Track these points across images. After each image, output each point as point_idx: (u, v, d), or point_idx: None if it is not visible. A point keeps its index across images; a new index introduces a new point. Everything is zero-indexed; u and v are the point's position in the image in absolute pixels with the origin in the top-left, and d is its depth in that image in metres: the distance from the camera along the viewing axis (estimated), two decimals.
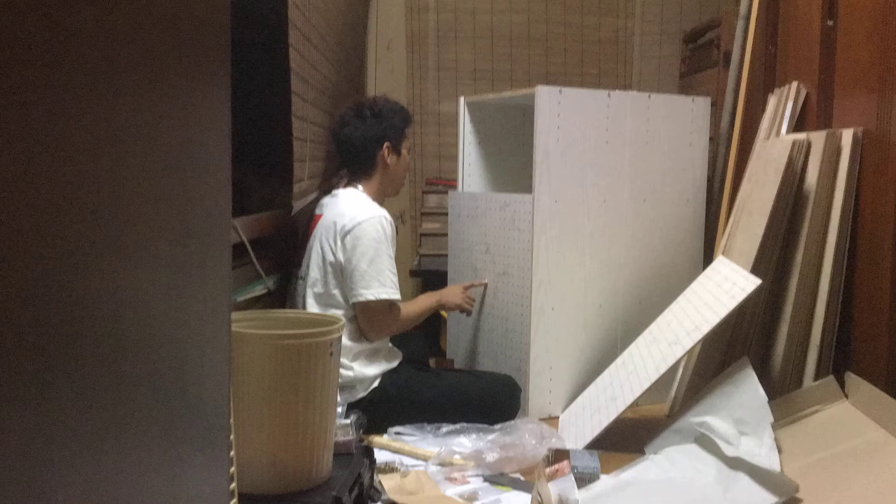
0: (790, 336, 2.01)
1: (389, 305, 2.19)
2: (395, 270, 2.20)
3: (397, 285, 2.18)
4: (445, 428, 2.10)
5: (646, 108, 2.47)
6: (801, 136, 2.09)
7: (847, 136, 1.98)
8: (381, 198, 2.36)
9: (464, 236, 2.66)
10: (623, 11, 3.75)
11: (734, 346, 2.09)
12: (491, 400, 2.24)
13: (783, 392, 1.97)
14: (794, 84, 2.29)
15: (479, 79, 3.72)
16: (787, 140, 2.08)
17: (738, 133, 2.57)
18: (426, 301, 2.40)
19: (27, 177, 0.47)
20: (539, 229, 2.33)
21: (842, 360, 1.97)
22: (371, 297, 2.12)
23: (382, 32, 3.64)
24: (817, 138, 2.03)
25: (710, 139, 2.65)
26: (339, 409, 1.75)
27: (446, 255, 2.80)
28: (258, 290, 2.05)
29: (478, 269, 2.57)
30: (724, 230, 2.40)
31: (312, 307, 2.18)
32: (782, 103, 2.32)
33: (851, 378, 1.85)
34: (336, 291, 2.17)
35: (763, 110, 2.46)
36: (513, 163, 2.79)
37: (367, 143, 2.32)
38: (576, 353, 2.42)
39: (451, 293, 2.45)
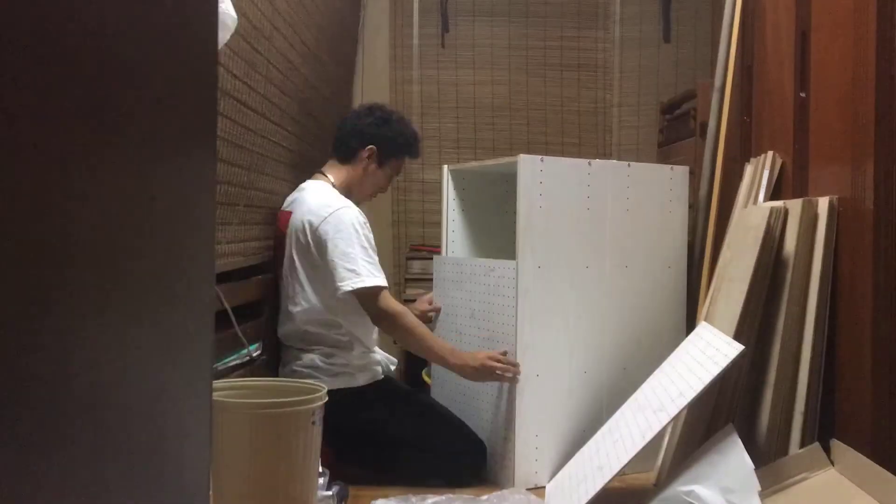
0: (774, 402, 2.01)
1: (377, 292, 2.14)
2: (370, 257, 2.15)
3: (374, 271, 2.14)
4: (431, 499, 2.05)
5: (626, 177, 2.51)
6: (779, 203, 2.13)
7: (823, 203, 2.02)
8: (346, 194, 2.31)
9: (448, 301, 2.66)
10: (602, 83, 3.85)
11: (719, 412, 2.08)
12: (454, 462, 2.19)
13: (769, 458, 1.95)
14: (770, 153, 2.35)
15: (462, 147, 3.79)
16: (765, 208, 2.11)
17: (717, 201, 2.62)
18: (451, 351, 2.25)
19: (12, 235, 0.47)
20: (523, 295, 2.33)
21: (827, 425, 1.96)
22: (347, 289, 2.11)
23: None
24: (794, 206, 2.07)
25: (690, 206, 2.69)
26: (321, 480, 1.72)
27: (431, 321, 2.79)
28: (239, 359, 2.02)
29: (462, 334, 2.56)
30: (706, 296, 2.42)
31: (294, 309, 2.19)
32: (759, 172, 2.38)
33: (837, 445, 1.84)
34: (310, 291, 2.17)
35: (740, 179, 2.51)
36: (496, 229, 2.81)
37: (356, 134, 2.30)
38: (562, 420, 2.39)
39: (478, 365, 2.22)
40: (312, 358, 2.22)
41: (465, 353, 2.29)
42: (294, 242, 2.22)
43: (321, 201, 2.21)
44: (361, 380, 2.24)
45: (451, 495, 2.06)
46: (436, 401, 2.51)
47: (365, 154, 2.29)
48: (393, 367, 2.45)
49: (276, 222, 2.33)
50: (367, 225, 2.25)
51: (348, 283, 2.11)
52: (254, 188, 2.12)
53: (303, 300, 2.22)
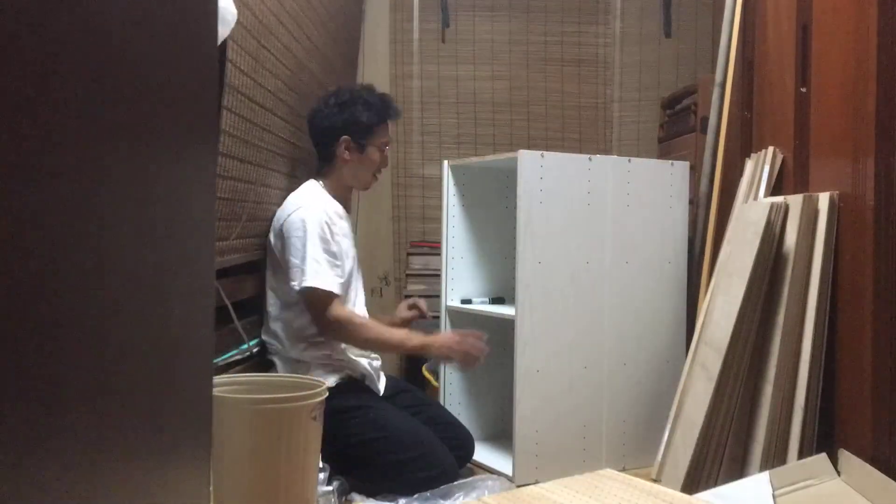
0: (774, 397, 2.01)
1: (323, 297, 2.03)
2: (322, 259, 2.04)
3: (323, 273, 2.03)
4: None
5: (626, 172, 2.51)
6: (779, 199, 2.13)
7: (823, 199, 2.02)
8: (344, 192, 2.25)
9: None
10: (602, 78, 3.84)
11: (719, 408, 2.08)
12: (427, 469, 2.02)
13: (770, 452, 1.96)
14: (771, 149, 2.34)
15: (463, 143, 3.78)
16: (766, 203, 2.11)
17: (717, 196, 2.62)
18: (406, 335, 2.16)
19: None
20: (523, 290, 2.33)
21: (827, 420, 1.96)
22: (297, 287, 2.03)
23: None
24: (794, 202, 2.07)
25: (690, 202, 2.69)
26: (322, 476, 1.72)
27: (432, 317, 2.79)
28: (240, 354, 2.03)
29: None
30: (706, 291, 2.42)
31: (270, 301, 2.16)
32: (759, 167, 2.37)
33: (844, 455, 1.84)
34: (284, 284, 2.12)
35: (741, 174, 2.51)
36: (496, 224, 2.81)
37: (324, 132, 2.19)
38: (562, 415, 2.39)
39: (444, 338, 2.21)
40: (287, 350, 2.14)
41: (426, 336, 2.21)
42: (268, 244, 2.19)
43: (291, 200, 2.16)
44: (330, 380, 2.09)
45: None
46: (407, 418, 2.18)
47: (342, 147, 2.19)
48: (377, 364, 2.28)
49: None
50: (341, 229, 2.16)
51: (297, 283, 2.04)
52: (262, 185, 2.11)
53: (271, 301, 2.17)
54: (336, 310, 2.07)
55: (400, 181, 3.74)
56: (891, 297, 1.74)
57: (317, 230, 2.06)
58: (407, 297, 3.36)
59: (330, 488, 1.70)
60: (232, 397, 1.48)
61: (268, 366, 2.23)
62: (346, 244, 2.19)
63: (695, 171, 2.79)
